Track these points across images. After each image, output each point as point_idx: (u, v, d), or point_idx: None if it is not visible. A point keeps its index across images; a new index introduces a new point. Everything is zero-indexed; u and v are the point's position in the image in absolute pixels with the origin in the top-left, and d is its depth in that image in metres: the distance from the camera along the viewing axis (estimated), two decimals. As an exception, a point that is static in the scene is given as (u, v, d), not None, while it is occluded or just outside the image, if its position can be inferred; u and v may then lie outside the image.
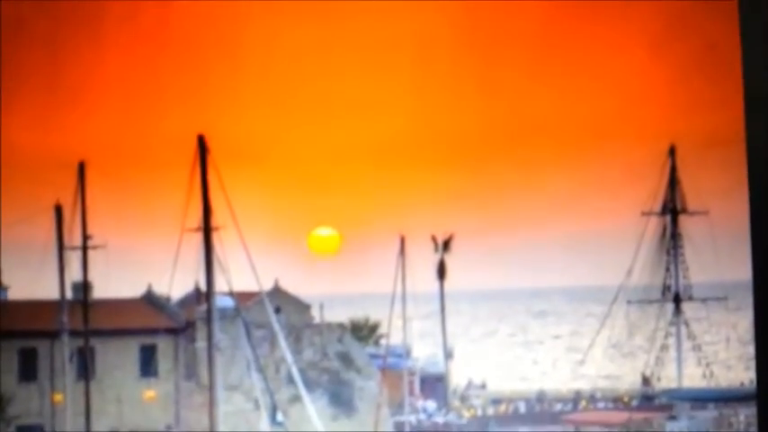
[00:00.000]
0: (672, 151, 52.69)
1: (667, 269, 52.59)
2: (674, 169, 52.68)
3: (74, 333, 45.67)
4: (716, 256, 51.16)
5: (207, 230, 44.75)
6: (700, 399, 53.30)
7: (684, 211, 52.48)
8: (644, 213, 52.27)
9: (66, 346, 44.83)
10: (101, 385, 50.97)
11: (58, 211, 45.43)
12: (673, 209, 52.44)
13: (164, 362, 53.04)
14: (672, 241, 52.52)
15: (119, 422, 50.47)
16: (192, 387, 52.88)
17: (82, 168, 47.02)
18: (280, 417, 45.62)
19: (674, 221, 52.54)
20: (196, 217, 44.91)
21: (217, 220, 44.79)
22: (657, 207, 52.46)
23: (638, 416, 51.58)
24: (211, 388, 45.06)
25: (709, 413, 51.96)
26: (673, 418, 51.49)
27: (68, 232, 45.70)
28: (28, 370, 51.33)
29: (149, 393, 52.03)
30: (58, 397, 47.74)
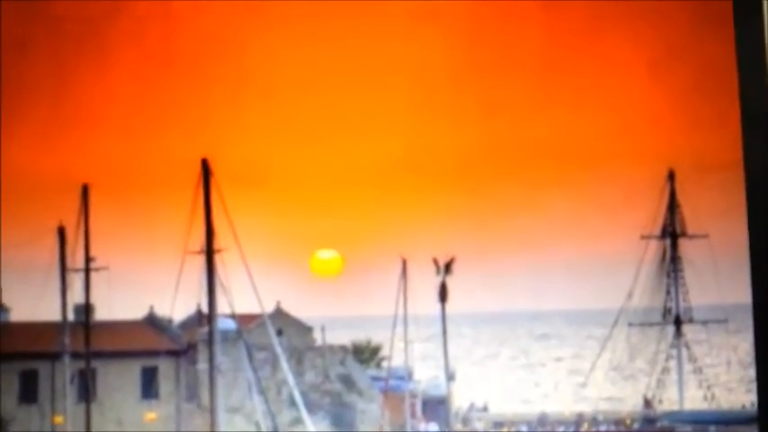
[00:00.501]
0: (671, 176, 52.87)
1: (668, 292, 52.70)
2: (673, 193, 52.87)
3: (75, 355, 45.77)
4: (716, 279, 51.26)
5: (209, 253, 44.96)
6: (701, 421, 53.25)
7: (684, 234, 52.60)
8: (643, 237, 52.45)
9: (68, 368, 44.90)
10: (101, 407, 50.94)
11: (61, 232, 45.62)
12: (672, 232, 52.57)
13: (165, 384, 53.03)
14: (672, 264, 52.65)
15: (120, 445, 50.45)
16: (194, 409, 52.86)
17: (85, 190, 47.27)
18: (281, 439, 45.62)
19: (674, 245, 52.67)
20: (199, 239, 45.16)
21: (219, 242, 45.04)
22: (657, 230, 52.63)
23: None
24: (213, 410, 45.12)
25: None
26: None
27: (71, 254, 45.91)
28: (28, 392, 51.31)
29: (150, 415, 52.01)
30: (59, 419, 47.75)
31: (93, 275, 47.34)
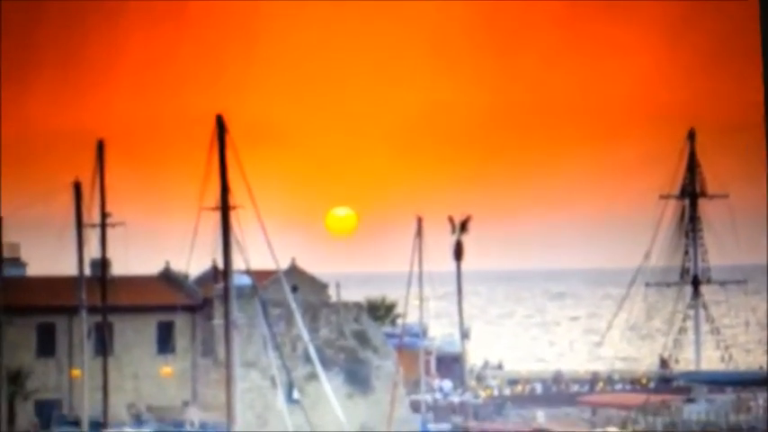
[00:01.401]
0: (691, 135, 52.50)
1: (686, 252, 52.46)
2: (693, 153, 52.48)
3: (92, 309, 45.82)
4: (735, 240, 51.04)
5: (224, 209, 44.79)
6: (718, 382, 53.19)
7: (704, 194, 52.26)
8: (662, 197, 52.12)
9: (85, 323, 44.95)
10: (118, 361, 51.17)
11: (77, 188, 45.52)
12: (692, 192, 52.25)
13: (181, 339, 53.25)
14: (690, 224, 52.36)
15: (136, 398, 50.70)
16: (209, 364, 53.10)
17: (101, 146, 47.13)
18: (296, 394, 45.77)
19: (693, 205, 52.34)
20: (214, 196, 45.03)
21: (234, 199, 44.88)
22: (676, 190, 52.30)
23: (656, 398, 51.52)
24: (228, 365, 45.17)
25: (727, 396, 51.94)
26: (690, 400, 51.39)
27: (87, 210, 45.82)
28: (46, 345, 51.60)
29: (166, 370, 52.28)
30: (76, 372, 47.98)
31: (110, 231, 47.31)
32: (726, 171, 53.55)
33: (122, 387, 50.50)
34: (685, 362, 52.68)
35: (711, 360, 56.25)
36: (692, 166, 52.24)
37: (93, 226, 46.63)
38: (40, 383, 50.94)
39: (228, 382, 44.99)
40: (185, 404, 51.26)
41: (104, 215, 47.00)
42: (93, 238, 46.53)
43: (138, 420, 47.58)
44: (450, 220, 60.11)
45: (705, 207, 52.57)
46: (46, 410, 49.74)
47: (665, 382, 53.81)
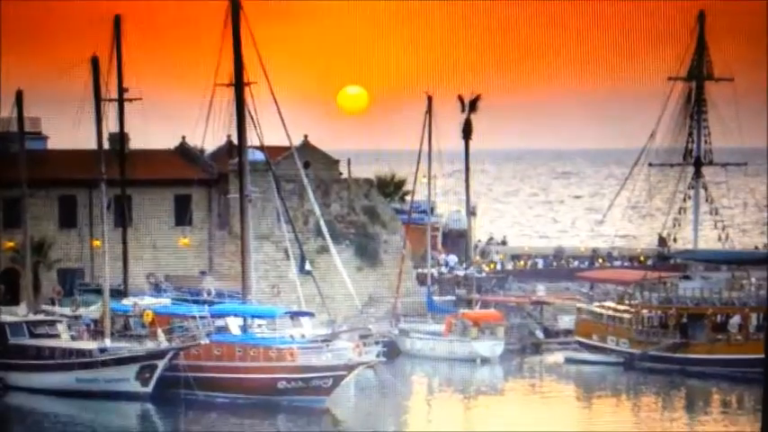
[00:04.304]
0: (701, 16, 52.66)
1: (690, 133, 53.02)
2: (702, 35, 52.67)
3: (111, 182, 46.93)
4: (738, 123, 51.68)
5: (239, 85, 45.74)
6: (714, 260, 53.88)
7: (710, 77, 52.62)
8: (670, 78, 52.47)
9: (104, 195, 46.10)
10: (137, 233, 52.60)
11: (95, 62, 46.28)
12: (699, 74, 52.63)
13: (197, 212, 54.41)
14: (696, 106, 52.85)
15: (155, 267, 52.17)
16: (225, 236, 54.41)
17: (117, 21, 47.90)
18: (308, 266, 47.13)
19: (700, 87, 52.80)
20: (228, 72, 45.90)
21: (248, 75, 45.76)
22: (684, 72, 52.70)
23: (653, 275, 52.07)
24: (243, 237, 46.68)
25: (722, 274, 52.57)
26: (686, 277, 52.17)
27: (105, 85, 46.57)
28: (68, 217, 52.91)
29: (184, 241, 53.58)
30: (97, 243, 49.18)
31: (127, 106, 48.29)
32: (733, 54, 53.86)
33: (141, 257, 52.04)
34: (683, 241, 53.61)
35: (709, 239, 57.22)
36: (701, 48, 52.53)
37: (111, 100, 47.60)
38: (62, 253, 52.31)
39: (243, 253, 46.52)
40: (202, 274, 52.65)
41: (121, 90, 47.94)
42: (111, 112, 47.55)
43: (156, 289, 49.07)
44: (460, 98, 60.95)
45: (711, 90, 52.94)
46: (69, 279, 50.98)
47: (663, 259, 54.78)
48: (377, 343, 45.15)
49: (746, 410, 44.11)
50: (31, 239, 48.81)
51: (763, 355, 46.18)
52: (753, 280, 51.24)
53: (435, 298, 54.40)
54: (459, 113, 60.27)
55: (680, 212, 53.08)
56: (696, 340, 49.13)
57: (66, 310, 47.08)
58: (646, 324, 50.52)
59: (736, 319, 49.40)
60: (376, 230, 56.13)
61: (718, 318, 49.72)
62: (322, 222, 48.25)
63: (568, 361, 51.39)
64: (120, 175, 48.61)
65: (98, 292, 46.54)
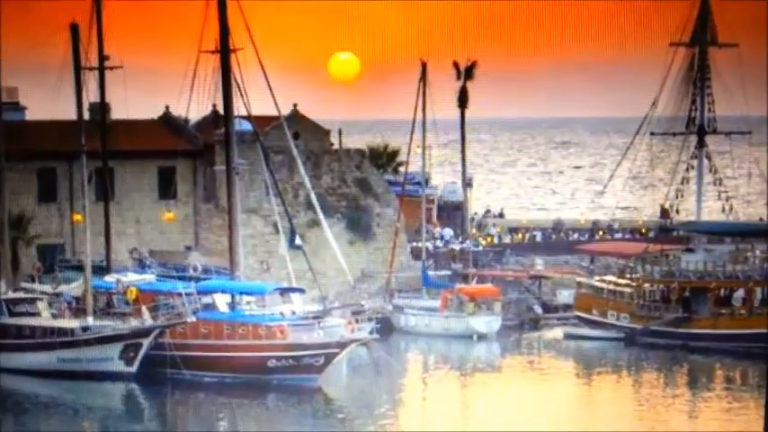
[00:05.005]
0: (704, -22, 51.55)
1: (693, 101, 52.22)
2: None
3: (92, 154, 45.69)
4: (743, 91, 50.81)
5: (224, 52, 44.32)
6: (717, 232, 53.61)
7: (714, 43, 51.70)
8: (672, 44, 51.62)
9: (85, 168, 44.84)
10: (119, 206, 51.49)
11: (74, 30, 44.87)
12: (702, 40, 51.66)
13: (182, 185, 53.41)
14: (699, 73, 51.96)
15: (138, 243, 51.15)
16: (211, 210, 53.42)
17: (98, -13, 46.35)
18: (298, 240, 46.18)
19: (703, 53, 51.82)
20: (213, 38, 44.44)
21: (234, 41, 44.33)
22: (687, 38, 51.71)
23: (655, 247, 51.97)
24: (230, 211, 45.46)
25: (725, 247, 52.36)
26: (689, 250, 51.84)
27: (85, 53, 45.28)
28: (47, 190, 51.76)
29: (168, 215, 52.63)
30: (78, 217, 48.25)
31: (108, 74, 46.89)
32: (738, 20, 52.88)
33: (124, 232, 50.95)
34: (686, 212, 53.04)
35: (712, 211, 56.55)
36: (704, 14, 51.46)
37: (91, 69, 46.19)
38: (42, 229, 51.26)
39: (231, 227, 45.36)
40: (188, 249, 51.76)
41: (102, 58, 46.54)
42: (91, 81, 46.17)
43: (140, 265, 48.07)
44: (456, 65, 59.64)
45: (715, 56, 52.16)
46: (49, 255, 50.16)
47: (665, 231, 54.15)
48: (370, 320, 44.81)
49: (750, 386, 43.71)
50: (8, 214, 47.68)
51: (767, 330, 45.71)
52: (757, 252, 50.79)
53: (430, 273, 53.77)
54: (454, 81, 58.88)
55: (683, 183, 52.46)
56: (699, 315, 48.73)
57: (47, 288, 46.18)
58: (647, 298, 50.17)
59: (739, 293, 49.11)
60: (368, 203, 55.35)
61: (722, 291, 49.36)
62: (312, 195, 47.16)
63: (568, 337, 50.91)
64: (102, 146, 47.33)
65: (79, 268, 45.66)
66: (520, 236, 63.19)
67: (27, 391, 41.70)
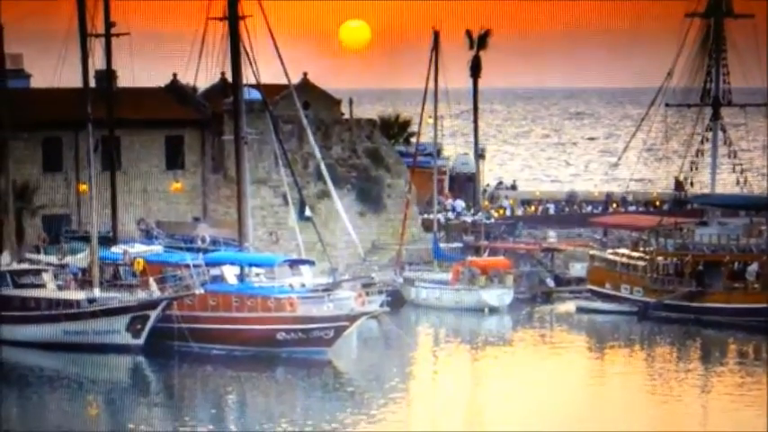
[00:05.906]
0: (720, -54, 51.00)
1: (708, 73, 51.78)
2: (722, -32, 51.06)
3: (98, 123, 45.17)
4: (758, 62, 50.35)
5: (233, 18, 43.79)
6: (731, 205, 53.33)
7: (730, 13, 51.21)
8: (687, 14, 51.16)
9: (91, 137, 44.35)
10: (126, 176, 51.01)
11: (80, -5, 44.24)
12: (718, 10, 51.17)
13: (190, 154, 53.01)
14: (715, 44, 51.46)
15: (146, 214, 50.78)
16: (220, 180, 53.05)
17: (105, -48, 45.76)
18: (308, 212, 45.78)
19: (719, 24, 51.32)
20: (222, 4, 43.91)
21: (243, 8, 43.81)
22: (702, 8, 51.24)
23: (669, 220, 51.70)
24: (239, 181, 45.03)
25: (739, 220, 52.12)
26: (703, 223, 51.55)
27: (91, 20, 44.70)
28: (53, 160, 51.31)
29: (176, 185, 52.30)
30: (84, 187, 47.83)
31: (115, 42, 46.34)
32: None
33: (131, 202, 50.48)
34: (700, 185, 52.63)
35: (727, 183, 56.12)
36: (720, -18, 50.96)
37: (98, 36, 45.62)
38: (47, 199, 50.88)
39: (239, 198, 44.97)
40: (196, 220, 51.40)
41: (109, 25, 45.98)
42: (97, 48, 45.60)
43: (148, 236, 47.69)
44: (469, 34, 59.03)
45: (730, 27, 51.66)
46: (54, 226, 49.81)
47: (679, 204, 53.83)
48: (380, 292, 44.18)
49: (763, 361, 43.46)
50: (13, 184, 47.27)
51: (781, 304, 45.42)
52: (772, 226, 49.93)
53: (442, 245, 53.46)
54: (467, 50, 58.27)
55: (697, 155, 52.05)
56: (712, 288, 48.28)
57: (53, 259, 45.81)
58: (661, 272, 49.76)
59: (753, 267, 48.34)
60: (379, 174, 54.93)
61: (736, 265, 48.78)
62: (322, 166, 46.68)
63: (580, 310, 50.59)
64: (108, 115, 46.72)
65: (86, 239, 45.30)
66: (533, 208, 62.82)
67: (32, 363, 41.55)
